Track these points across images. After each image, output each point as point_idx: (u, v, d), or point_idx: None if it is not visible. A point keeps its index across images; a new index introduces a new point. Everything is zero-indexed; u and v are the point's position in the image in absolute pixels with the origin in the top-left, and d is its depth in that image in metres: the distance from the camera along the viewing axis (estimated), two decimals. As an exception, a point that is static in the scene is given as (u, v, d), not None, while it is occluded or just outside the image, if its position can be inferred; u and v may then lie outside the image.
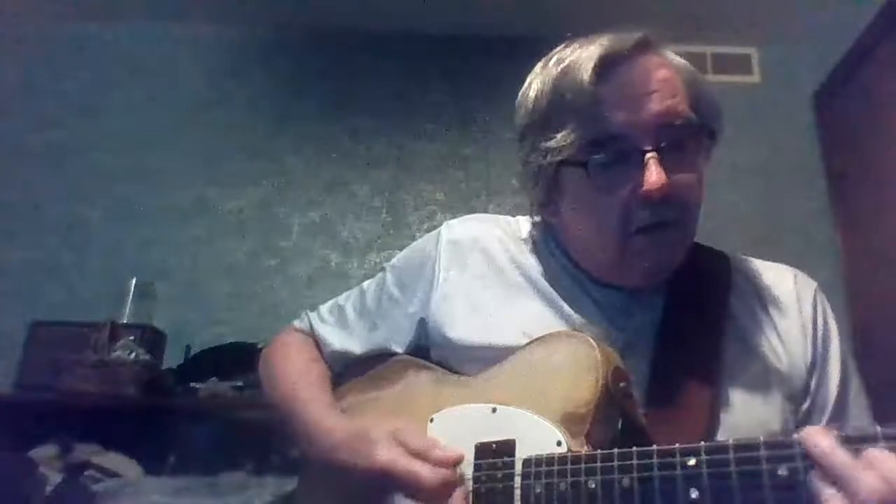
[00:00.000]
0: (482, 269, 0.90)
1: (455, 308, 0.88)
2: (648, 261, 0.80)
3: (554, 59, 0.83)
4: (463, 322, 0.86)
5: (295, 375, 0.97)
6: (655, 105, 0.77)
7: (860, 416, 0.83)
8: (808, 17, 2.57)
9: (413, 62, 2.81)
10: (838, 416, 0.82)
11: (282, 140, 2.69)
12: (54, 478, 1.74)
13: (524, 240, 0.93)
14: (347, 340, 0.99)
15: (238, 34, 2.83)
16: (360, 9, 2.71)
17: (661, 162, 0.75)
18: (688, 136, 0.78)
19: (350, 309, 1.01)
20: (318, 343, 1.03)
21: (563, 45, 0.83)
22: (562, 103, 0.79)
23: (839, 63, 2.51)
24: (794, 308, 0.85)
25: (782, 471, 0.55)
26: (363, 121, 2.73)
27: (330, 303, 1.06)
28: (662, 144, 0.76)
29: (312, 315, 1.06)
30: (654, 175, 0.75)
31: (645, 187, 0.75)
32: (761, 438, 0.57)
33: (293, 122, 2.72)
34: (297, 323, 1.07)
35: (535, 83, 0.84)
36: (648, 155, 0.75)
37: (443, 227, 0.96)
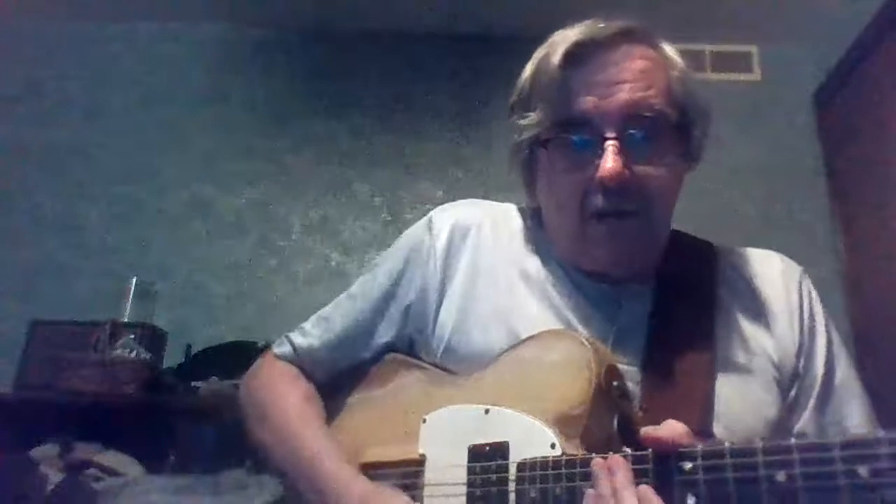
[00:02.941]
0: (474, 262, 0.89)
1: (449, 307, 0.87)
2: (605, 247, 0.80)
3: (546, 41, 0.85)
4: (457, 323, 0.85)
5: (296, 420, 0.88)
6: (624, 94, 0.77)
7: (849, 400, 0.83)
8: (808, 15, 2.57)
9: (413, 61, 2.81)
10: (824, 399, 0.82)
11: (282, 140, 2.69)
12: (55, 477, 1.74)
13: (515, 229, 0.92)
14: (343, 354, 0.93)
15: (238, 34, 2.83)
16: (361, 8, 2.71)
17: (623, 151, 0.76)
18: (657, 130, 0.78)
19: (337, 317, 0.95)
20: (304, 366, 0.95)
21: (562, 29, 0.85)
22: (538, 84, 0.82)
23: (839, 62, 2.51)
24: (781, 294, 0.86)
25: (780, 477, 0.54)
26: (363, 120, 2.73)
27: (314, 317, 0.98)
28: (628, 133, 0.77)
29: (294, 335, 0.97)
30: (609, 162, 0.75)
31: (599, 173, 0.76)
32: (759, 443, 0.56)
33: (293, 122, 2.72)
34: (276, 349, 0.98)
35: (528, 65, 0.86)
36: (608, 142, 0.76)
37: (433, 214, 0.94)
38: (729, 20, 2.65)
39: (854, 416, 0.82)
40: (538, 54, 0.84)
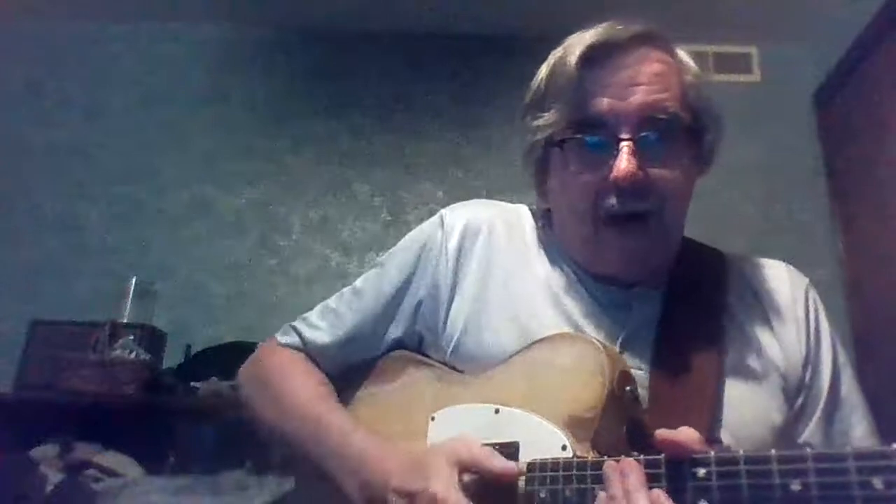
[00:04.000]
0: (486, 263, 0.88)
1: (460, 307, 0.87)
2: (618, 249, 0.80)
3: (562, 43, 0.85)
4: (468, 324, 0.85)
5: (317, 400, 0.88)
6: (640, 97, 0.77)
7: (853, 411, 0.83)
8: (808, 16, 2.57)
9: (413, 61, 2.81)
10: (831, 410, 0.82)
11: (282, 140, 2.69)
12: (55, 477, 1.74)
13: (527, 230, 0.92)
14: (353, 350, 0.93)
15: (239, 34, 2.83)
16: (361, 8, 2.71)
17: (637, 153, 0.76)
18: (672, 132, 0.78)
19: (347, 311, 0.94)
20: (312, 356, 0.94)
21: (580, 31, 0.84)
22: (554, 84, 0.82)
23: (839, 62, 2.51)
24: (788, 305, 0.86)
25: (795, 486, 0.54)
26: (363, 120, 2.73)
27: (318, 308, 0.97)
28: (642, 135, 0.77)
29: (300, 325, 0.96)
30: (623, 163, 0.75)
31: (613, 174, 0.76)
32: (773, 452, 0.56)
33: (293, 122, 2.72)
34: (281, 338, 0.97)
35: (543, 66, 0.86)
36: (623, 143, 0.76)
37: (445, 213, 0.93)
38: (729, 21, 2.65)
39: (858, 426, 0.82)
40: (554, 55, 0.84)
